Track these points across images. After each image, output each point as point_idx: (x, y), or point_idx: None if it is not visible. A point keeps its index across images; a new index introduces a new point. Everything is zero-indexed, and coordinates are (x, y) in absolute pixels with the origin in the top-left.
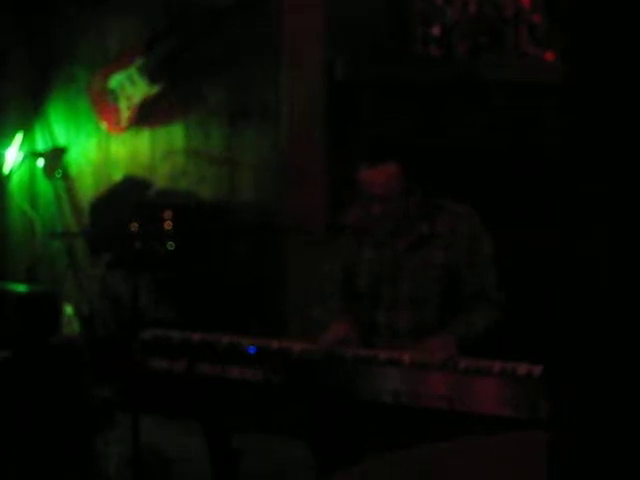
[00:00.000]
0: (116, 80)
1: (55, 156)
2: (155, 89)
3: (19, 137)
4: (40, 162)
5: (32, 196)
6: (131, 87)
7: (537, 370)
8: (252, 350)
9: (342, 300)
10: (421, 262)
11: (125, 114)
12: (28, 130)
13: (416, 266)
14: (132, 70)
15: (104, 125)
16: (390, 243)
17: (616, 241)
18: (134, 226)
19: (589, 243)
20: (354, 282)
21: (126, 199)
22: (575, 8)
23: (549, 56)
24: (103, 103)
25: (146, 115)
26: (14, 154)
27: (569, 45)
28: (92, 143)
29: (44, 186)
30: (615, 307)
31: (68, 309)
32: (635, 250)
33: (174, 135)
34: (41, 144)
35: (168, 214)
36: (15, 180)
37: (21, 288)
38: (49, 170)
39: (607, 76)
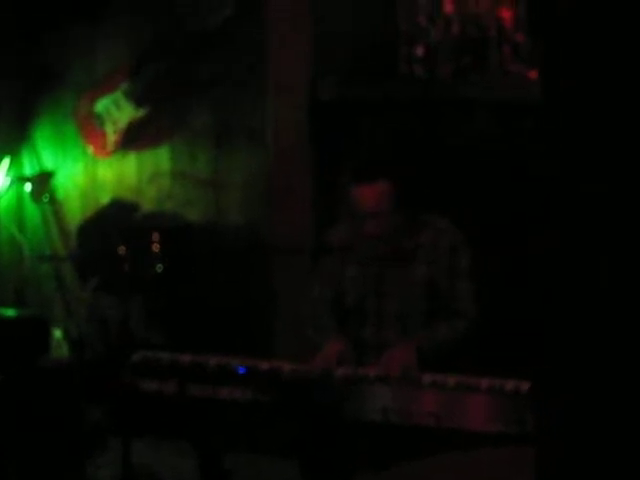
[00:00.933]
0: (102, 104)
1: (42, 180)
2: (141, 112)
3: (6, 162)
4: (27, 186)
5: (20, 220)
6: (117, 111)
7: (525, 386)
8: (242, 370)
9: (334, 320)
10: (405, 278)
11: (111, 138)
12: (15, 155)
13: (400, 282)
14: (118, 94)
15: (91, 149)
16: (374, 260)
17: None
18: (122, 249)
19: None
20: (341, 300)
21: (113, 222)
22: (550, 22)
23: (533, 74)
24: (89, 127)
25: (132, 138)
26: (1, 179)
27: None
28: (79, 167)
29: (32, 210)
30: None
31: (57, 332)
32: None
33: (160, 158)
34: (28, 169)
35: (156, 237)
36: (3, 204)
37: (9, 312)
38: (36, 194)
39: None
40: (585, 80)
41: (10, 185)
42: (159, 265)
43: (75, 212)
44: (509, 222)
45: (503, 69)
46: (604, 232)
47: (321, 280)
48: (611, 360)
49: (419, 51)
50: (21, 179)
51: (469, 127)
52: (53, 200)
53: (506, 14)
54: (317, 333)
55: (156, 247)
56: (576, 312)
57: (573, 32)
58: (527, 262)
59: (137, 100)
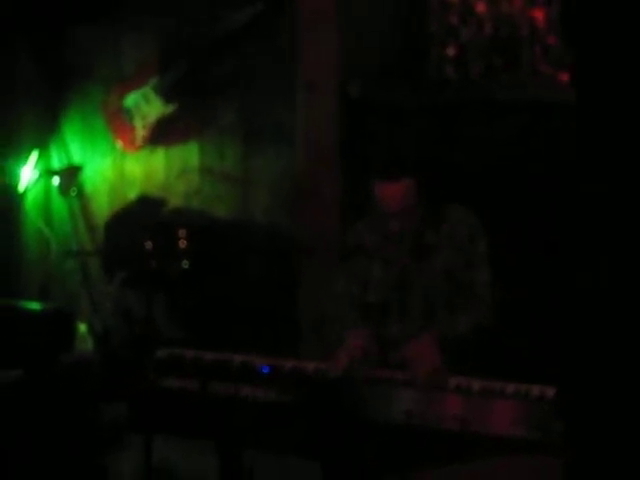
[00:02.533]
0: (131, 99)
1: (70, 174)
2: (170, 108)
3: (34, 155)
4: (55, 180)
5: (47, 214)
6: (146, 106)
7: (550, 391)
8: (265, 369)
9: (359, 318)
10: (427, 272)
11: (140, 133)
12: (43, 148)
13: (423, 276)
14: (147, 89)
15: (119, 144)
16: (398, 258)
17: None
18: (148, 245)
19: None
20: (364, 298)
21: (141, 218)
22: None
23: (564, 75)
24: (118, 122)
25: (161, 134)
26: (29, 172)
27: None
28: (107, 162)
29: (59, 204)
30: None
31: (82, 327)
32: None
33: (189, 154)
34: (56, 162)
35: (182, 233)
36: (30, 198)
37: (34, 306)
38: (64, 188)
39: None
40: (618, 80)
41: (38, 178)
42: (185, 261)
43: (103, 207)
44: (536, 223)
45: (534, 70)
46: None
47: (347, 278)
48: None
49: (450, 51)
50: (49, 173)
51: (499, 128)
52: (81, 194)
53: (538, 14)
54: (343, 330)
55: (183, 243)
56: (594, 314)
57: (605, 34)
58: (553, 266)
59: (166, 95)
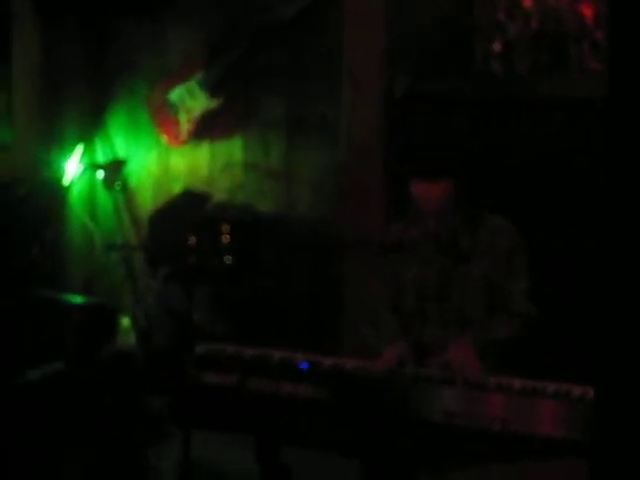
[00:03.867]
0: (176, 93)
1: (115, 168)
2: (215, 102)
3: (79, 149)
4: (100, 174)
5: (92, 208)
6: (191, 100)
7: (591, 392)
8: (304, 366)
9: (395, 319)
10: (464, 277)
11: (185, 127)
12: (88, 142)
13: (460, 282)
14: (192, 83)
15: (164, 138)
16: (434, 260)
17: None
18: (192, 239)
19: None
20: (400, 301)
21: (185, 212)
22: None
23: None
24: (163, 116)
25: (206, 128)
26: (74, 166)
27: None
28: (152, 156)
29: (104, 198)
30: None
31: (125, 321)
32: None
33: (233, 148)
34: (101, 156)
35: (226, 228)
36: (75, 192)
37: (77, 299)
38: (109, 182)
39: None
40: None
41: (83, 172)
42: (228, 257)
43: (147, 201)
44: (580, 221)
45: (582, 66)
46: None
47: (382, 279)
48: None
49: (496, 47)
50: (94, 166)
51: (547, 124)
52: (125, 188)
53: (587, 10)
54: (377, 332)
55: (226, 238)
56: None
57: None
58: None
59: (211, 90)
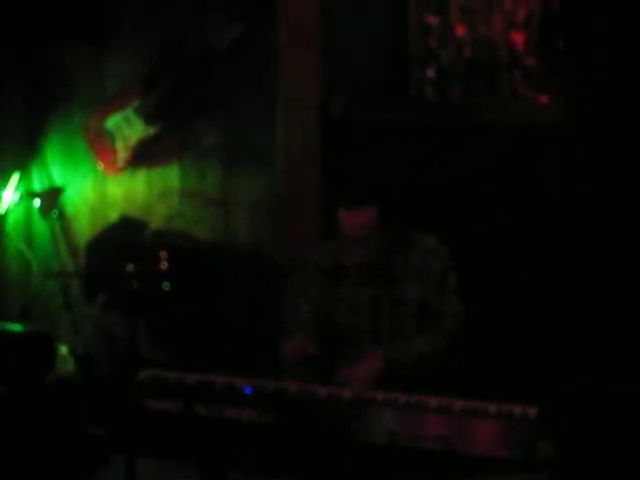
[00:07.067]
0: (113, 121)
1: (51, 196)
2: (152, 130)
3: (16, 177)
4: (37, 202)
5: (28, 236)
6: (128, 128)
7: (533, 411)
8: (248, 390)
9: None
10: (397, 300)
11: (122, 155)
12: (25, 170)
13: (393, 304)
14: (129, 111)
15: (101, 165)
16: (366, 281)
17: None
18: (130, 267)
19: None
20: (331, 321)
21: (122, 240)
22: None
23: (543, 99)
24: (100, 144)
25: (142, 156)
26: (11, 194)
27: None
28: (88, 183)
29: (40, 226)
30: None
31: (63, 349)
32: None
33: (170, 176)
34: (38, 184)
35: (164, 255)
36: (11, 220)
37: (15, 327)
38: (45, 210)
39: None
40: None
41: (19, 200)
42: (166, 283)
43: (84, 228)
44: (513, 245)
45: (513, 92)
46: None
47: (308, 297)
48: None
49: (430, 73)
50: (30, 194)
51: (478, 149)
52: (62, 216)
53: (517, 38)
54: (294, 319)
55: (164, 265)
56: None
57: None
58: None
59: (148, 118)
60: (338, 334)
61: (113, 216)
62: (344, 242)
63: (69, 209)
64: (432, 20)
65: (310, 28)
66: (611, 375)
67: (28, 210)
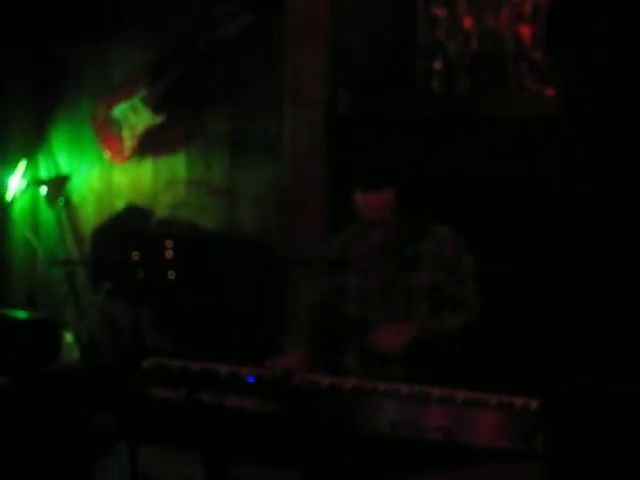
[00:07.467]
0: (120, 109)
1: (58, 184)
2: (158, 119)
3: (22, 164)
4: (43, 190)
5: (34, 223)
6: (135, 117)
7: (534, 403)
8: (251, 379)
9: (311, 332)
10: (410, 285)
11: (128, 143)
12: (31, 158)
13: (406, 288)
14: (136, 100)
15: (107, 154)
16: (378, 268)
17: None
18: (135, 255)
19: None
20: (339, 310)
21: (128, 228)
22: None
23: (549, 91)
24: (106, 132)
25: (149, 145)
26: (17, 181)
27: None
28: (95, 172)
29: (46, 214)
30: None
31: (68, 336)
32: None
33: (176, 165)
34: (44, 172)
35: (169, 244)
36: (18, 207)
37: (21, 314)
38: (52, 198)
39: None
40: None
41: (26, 188)
42: (171, 272)
43: (90, 216)
44: (521, 235)
45: (520, 85)
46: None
47: (311, 288)
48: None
49: (437, 65)
50: (37, 182)
51: (485, 141)
52: (68, 204)
53: (525, 31)
54: (290, 341)
55: (169, 254)
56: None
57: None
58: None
59: (155, 106)
60: (344, 325)
61: (119, 204)
62: (357, 229)
63: (75, 197)
64: (440, 12)
65: (316, 22)
66: (611, 375)
67: (34, 198)
